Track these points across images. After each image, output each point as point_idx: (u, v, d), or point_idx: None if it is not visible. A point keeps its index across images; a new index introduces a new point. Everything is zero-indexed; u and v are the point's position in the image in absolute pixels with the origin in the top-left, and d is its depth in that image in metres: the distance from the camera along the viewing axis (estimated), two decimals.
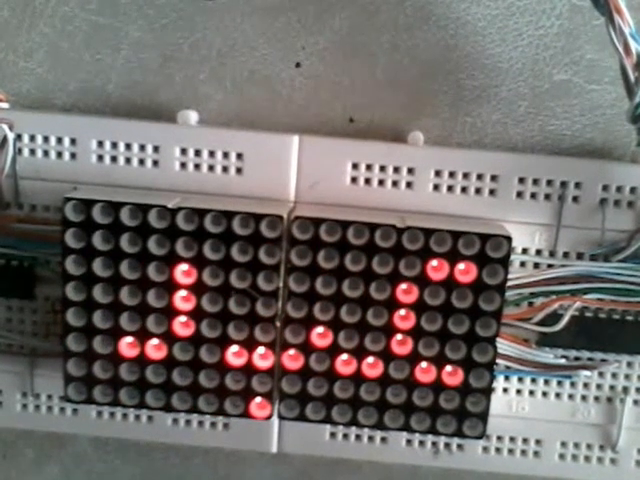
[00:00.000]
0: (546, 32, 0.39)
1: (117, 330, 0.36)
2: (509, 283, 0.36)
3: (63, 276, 0.35)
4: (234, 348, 0.36)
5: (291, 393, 0.36)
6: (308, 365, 0.36)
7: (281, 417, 0.37)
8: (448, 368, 0.36)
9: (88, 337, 0.36)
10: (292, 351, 0.36)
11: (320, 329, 0.36)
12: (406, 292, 0.35)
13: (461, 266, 0.35)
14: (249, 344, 0.36)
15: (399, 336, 0.36)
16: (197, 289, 0.36)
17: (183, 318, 0.36)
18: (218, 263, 0.35)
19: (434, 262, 0.35)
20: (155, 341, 0.36)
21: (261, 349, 0.36)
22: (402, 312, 0.36)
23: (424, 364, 0.36)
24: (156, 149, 0.37)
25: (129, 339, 0.36)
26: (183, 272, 0.36)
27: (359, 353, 0.36)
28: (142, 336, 0.36)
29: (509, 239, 0.34)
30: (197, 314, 0.36)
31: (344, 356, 0.36)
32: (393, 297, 0.35)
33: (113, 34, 0.39)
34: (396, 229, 0.35)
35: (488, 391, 0.36)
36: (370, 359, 0.36)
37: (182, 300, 0.36)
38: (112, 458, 0.43)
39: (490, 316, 0.35)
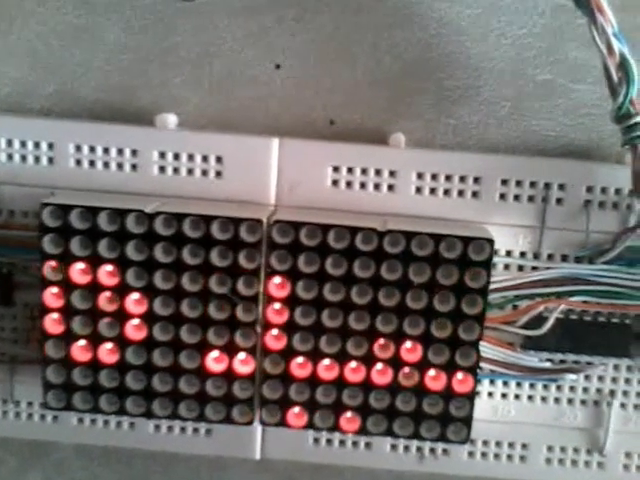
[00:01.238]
0: (529, 31, 0.38)
1: (96, 336, 0.36)
2: (493, 286, 0.36)
3: (41, 282, 0.35)
4: (214, 354, 0.36)
5: (272, 399, 0.36)
6: (289, 370, 0.36)
7: (263, 423, 0.36)
8: (431, 372, 0.36)
9: (67, 344, 0.36)
10: (273, 356, 0.36)
11: (301, 334, 0.35)
12: (388, 296, 0.35)
13: (443, 269, 0.34)
14: (229, 350, 0.36)
15: (382, 340, 0.35)
16: (176, 294, 0.35)
17: (163, 324, 0.35)
18: (197, 268, 0.35)
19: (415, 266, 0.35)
20: (137, 347, 0.36)
21: (242, 354, 0.36)
22: (384, 316, 0.35)
23: (407, 369, 0.36)
24: (134, 153, 0.37)
25: (109, 345, 0.36)
26: (162, 277, 0.35)
27: (341, 358, 0.36)
28: (121, 342, 0.36)
29: (491, 242, 0.34)
30: (176, 319, 0.35)
31: (326, 361, 0.36)
32: (375, 301, 0.35)
33: (90, 36, 0.39)
34: (377, 232, 0.34)
35: (472, 395, 0.36)
36: (352, 364, 0.36)
37: (161, 305, 0.35)
38: (95, 465, 0.42)
39: (473, 320, 0.35)
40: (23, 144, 0.37)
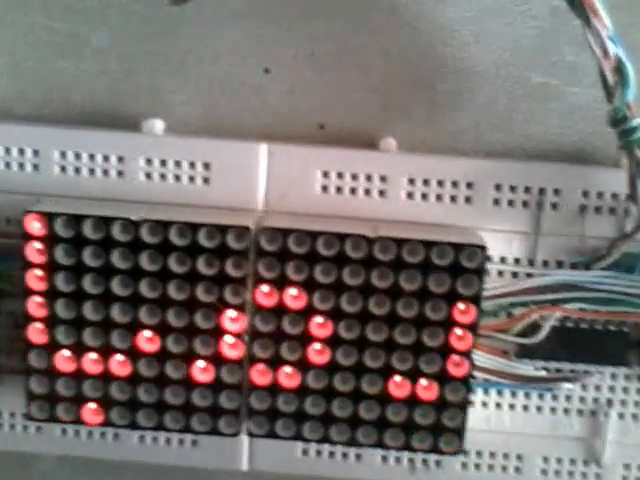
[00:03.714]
0: (524, 33, 0.37)
1: (81, 346, 0.35)
2: (487, 293, 0.35)
3: (24, 291, 0.35)
4: (200, 363, 0.35)
5: (260, 409, 0.35)
6: (277, 380, 0.35)
7: (250, 434, 0.35)
8: (423, 382, 0.35)
9: (51, 353, 0.35)
10: (261, 366, 0.35)
11: (290, 343, 0.35)
12: (378, 304, 0.34)
13: (435, 276, 0.34)
14: (216, 359, 0.35)
15: (372, 349, 0.35)
16: (162, 303, 0.34)
17: (148, 333, 0.35)
18: (184, 276, 0.34)
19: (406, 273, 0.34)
20: (120, 357, 0.35)
21: (229, 364, 0.35)
22: (375, 324, 0.34)
23: (398, 378, 0.35)
24: (121, 159, 0.36)
25: (93, 355, 0.35)
26: (148, 286, 0.34)
27: (331, 367, 0.35)
28: (106, 352, 0.35)
29: (483, 248, 0.33)
30: (163, 329, 0.35)
31: (315, 370, 0.35)
32: (365, 309, 0.34)
33: (76, 42, 0.38)
34: (367, 239, 0.34)
35: (464, 405, 0.35)
36: (342, 373, 0.35)
37: (147, 314, 0.35)
38: (81, 477, 0.42)
39: (465, 328, 0.34)
40: (7, 151, 0.36)
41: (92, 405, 0.35)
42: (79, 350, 0.35)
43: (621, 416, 0.37)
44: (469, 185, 0.36)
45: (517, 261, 0.36)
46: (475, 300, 0.34)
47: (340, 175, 0.36)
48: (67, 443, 0.39)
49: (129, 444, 0.39)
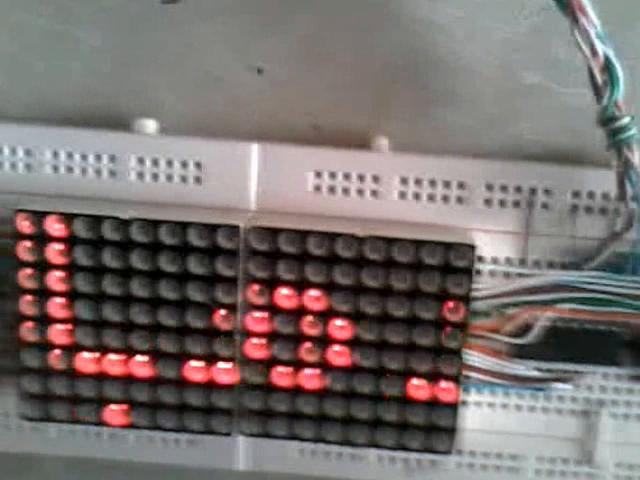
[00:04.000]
0: (516, 32, 0.37)
1: (75, 345, 0.35)
2: (480, 293, 0.35)
3: (17, 290, 0.35)
4: (194, 363, 0.35)
5: (254, 409, 0.35)
6: (271, 380, 0.35)
7: (243, 433, 0.35)
8: (415, 381, 0.35)
9: (45, 352, 0.35)
10: (254, 365, 0.35)
11: (281, 342, 0.35)
12: (369, 303, 0.34)
13: (425, 275, 0.34)
14: (209, 358, 0.35)
15: (364, 348, 0.35)
16: (154, 302, 0.35)
17: (141, 332, 0.35)
18: (176, 276, 0.34)
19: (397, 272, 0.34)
20: (114, 356, 0.35)
21: (221, 363, 0.35)
22: (366, 323, 0.34)
23: (390, 377, 0.35)
24: (113, 159, 0.36)
25: (87, 354, 0.35)
26: (140, 285, 0.34)
27: (324, 367, 0.35)
28: (101, 351, 0.35)
29: (473, 247, 0.33)
30: (155, 328, 0.35)
31: (308, 370, 0.35)
32: (356, 308, 0.34)
33: (67, 41, 0.38)
34: (357, 238, 0.34)
35: (456, 404, 0.35)
36: (335, 373, 0.35)
37: (139, 313, 0.35)
38: (79, 477, 0.42)
39: (456, 326, 0.34)
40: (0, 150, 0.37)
41: (86, 404, 0.36)
42: (72, 349, 0.35)
43: (613, 416, 0.37)
44: (461, 185, 0.36)
45: (509, 261, 0.36)
46: (465, 299, 0.34)
47: (332, 175, 0.36)
48: (63, 443, 0.39)
49: (125, 444, 0.39)
